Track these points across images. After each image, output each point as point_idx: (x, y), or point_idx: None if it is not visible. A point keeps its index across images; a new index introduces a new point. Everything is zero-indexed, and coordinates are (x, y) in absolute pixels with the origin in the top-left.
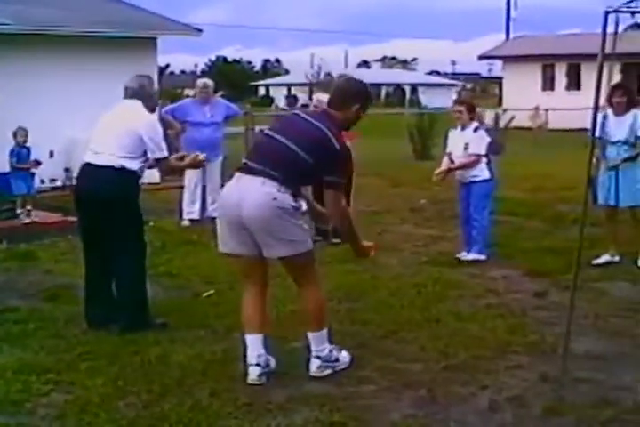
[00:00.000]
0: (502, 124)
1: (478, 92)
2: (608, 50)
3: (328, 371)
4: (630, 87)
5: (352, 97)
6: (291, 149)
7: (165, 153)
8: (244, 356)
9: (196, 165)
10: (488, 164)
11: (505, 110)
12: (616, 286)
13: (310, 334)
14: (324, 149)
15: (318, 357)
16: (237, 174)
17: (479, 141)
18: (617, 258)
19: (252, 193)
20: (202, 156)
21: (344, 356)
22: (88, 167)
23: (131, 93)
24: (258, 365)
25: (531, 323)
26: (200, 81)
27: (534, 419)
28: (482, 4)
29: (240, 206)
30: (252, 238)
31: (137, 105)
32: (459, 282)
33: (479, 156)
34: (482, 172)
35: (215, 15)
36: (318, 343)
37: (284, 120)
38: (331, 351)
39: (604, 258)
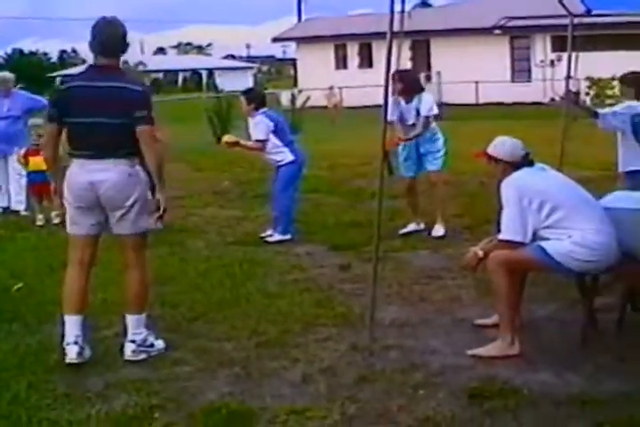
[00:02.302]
0: (298, 104)
1: (274, 73)
2: (396, 28)
3: (143, 355)
4: (408, 73)
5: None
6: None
7: None
8: (60, 344)
9: None
10: (287, 145)
11: (300, 91)
12: (417, 256)
13: (130, 317)
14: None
15: (133, 341)
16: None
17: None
18: (422, 226)
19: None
20: None
21: (159, 343)
22: None
23: None
24: (76, 343)
25: (337, 295)
26: None
27: (347, 388)
28: None
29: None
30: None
31: None
32: (265, 260)
33: (260, 141)
34: (281, 155)
35: (7, 7)
36: (136, 326)
37: None
38: (147, 336)
39: (411, 227)
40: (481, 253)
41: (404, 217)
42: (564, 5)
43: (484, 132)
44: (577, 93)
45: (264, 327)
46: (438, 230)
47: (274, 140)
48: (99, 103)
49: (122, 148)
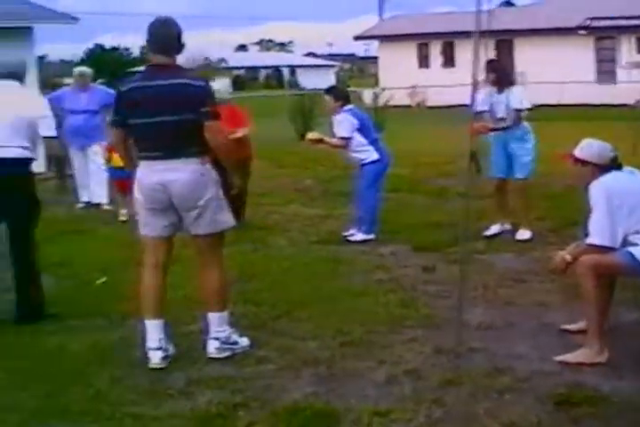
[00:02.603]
0: (381, 102)
1: (355, 72)
2: (483, 27)
3: (227, 353)
4: (500, 64)
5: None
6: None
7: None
8: (142, 342)
9: None
10: (372, 144)
11: (383, 89)
12: (502, 258)
13: (212, 315)
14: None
15: (217, 338)
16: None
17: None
18: (508, 226)
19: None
20: None
21: (243, 340)
22: None
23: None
24: (159, 348)
25: (421, 297)
26: (77, 69)
27: (432, 390)
28: None
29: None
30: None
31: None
32: (348, 259)
33: (345, 138)
34: (366, 153)
35: (90, 3)
36: (218, 324)
37: None
38: (230, 334)
39: (494, 229)
40: (569, 258)
41: (490, 218)
42: None
43: (567, 134)
44: None
45: (349, 327)
46: (523, 234)
47: (358, 137)
48: (163, 101)
49: (191, 146)
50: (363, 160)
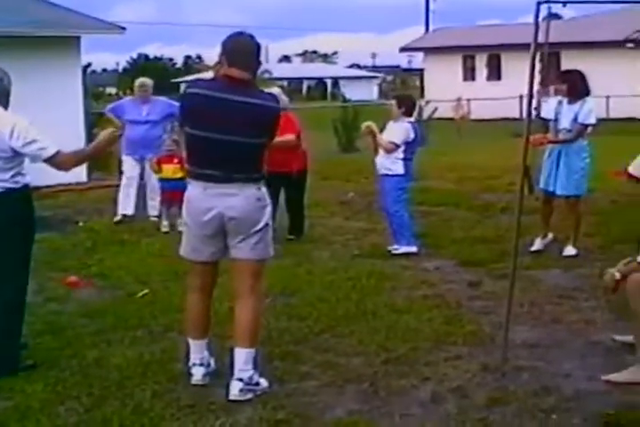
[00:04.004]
0: (425, 115)
1: (398, 84)
2: (538, 39)
3: (249, 395)
4: (577, 74)
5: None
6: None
7: (52, 149)
8: (185, 356)
9: (110, 140)
10: (405, 160)
11: (427, 102)
12: (548, 274)
13: (238, 351)
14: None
15: (240, 379)
16: None
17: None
18: (550, 237)
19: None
20: (113, 130)
21: (263, 381)
22: None
23: None
24: (202, 365)
25: (467, 313)
26: (138, 80)
27: (478, 409)
28: None
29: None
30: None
31: None
32: (392, 274)
33: (394, 144)
34: (394, 165)
35: (135, 12)
36: (244, 362)
37: None
38: (253, 374)
39: (537, 245)
40: (618, 276)
41: (536, 232)
42: None
43: (615, 148)
44: None
45: (392, 343)
46: (570, 250)
47: (399, 150)
48: (233, 119)
49: (253, 170)
50: (386, 170)
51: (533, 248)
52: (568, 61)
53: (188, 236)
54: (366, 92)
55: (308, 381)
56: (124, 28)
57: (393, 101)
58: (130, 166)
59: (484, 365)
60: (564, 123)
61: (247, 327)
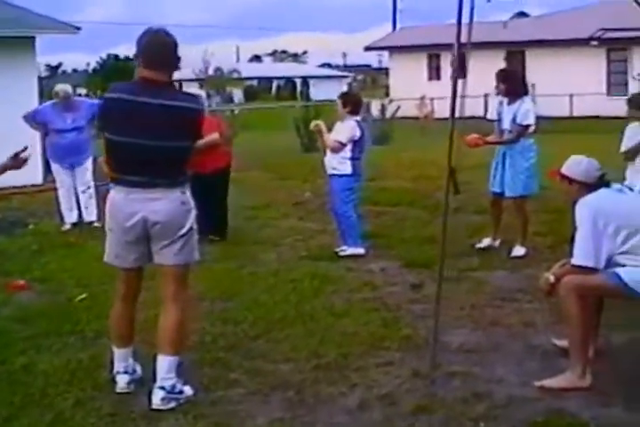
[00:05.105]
0: (388, 114)
1: (369, 83)
2: (492, 39)
3: (172, 404)
4: (512, 73)
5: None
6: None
7: None
8: (111, 363)
9: (17, 165)
10: (352, 159)
11: (391, 101)
12: (494, 276)
13: (162, 358)
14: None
15: (162, 387)
16: None
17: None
18: (497, 243)
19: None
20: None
21: (188, 389)
22: None
23: None
24: (126, 373)
25: (405, 316)
26: (59, 88)
27: (403, 417)
28: None
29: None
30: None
31: None
32: (336, 276)
33: (340, 143)
34: (342, 165)
35: (107, 13)
36: (167, 370)
37: None
38: (176, 382)
39: (486, 242)
40: (552, 279)
41: (486, 233)
42: None
43: (575, 146)
44: None
45: (325, 349)
46: (518, 251)
47: (346, 149)
48: (153, 123)
49: (177, 175)
50: (334, 170)
51: (480, 245)
52: (533, 60)
53: (112, 241)
54: (336, 91)
55: (235, 388)
56: (78, 28)
57: (338, 101)
58: (63, 176)
59: (416, 371)
60: (506, 123)
61: (170, 334)
